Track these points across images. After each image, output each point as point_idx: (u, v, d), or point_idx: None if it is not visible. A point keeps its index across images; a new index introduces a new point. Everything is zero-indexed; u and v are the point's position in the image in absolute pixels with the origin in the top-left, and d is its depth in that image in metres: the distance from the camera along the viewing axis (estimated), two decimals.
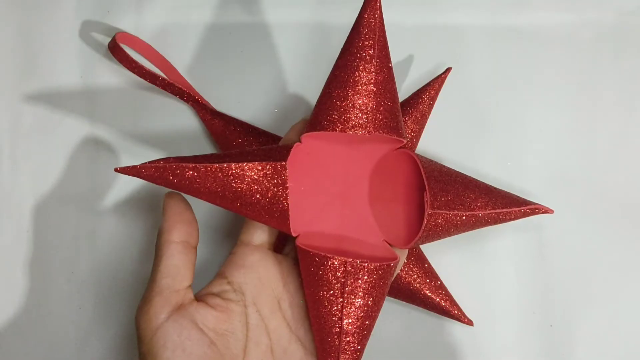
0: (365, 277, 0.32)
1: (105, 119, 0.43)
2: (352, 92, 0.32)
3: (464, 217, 0.32)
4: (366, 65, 0.32)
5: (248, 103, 0.43)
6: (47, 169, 0.43)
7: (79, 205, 0.43)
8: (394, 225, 0.35)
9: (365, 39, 0.32)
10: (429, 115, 0.40)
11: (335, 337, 0.32)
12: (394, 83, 0.34)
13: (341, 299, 0.32)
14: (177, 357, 0.30)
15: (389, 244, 0.35)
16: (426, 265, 0.39)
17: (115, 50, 0.41)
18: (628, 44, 0.44)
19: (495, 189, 0.35)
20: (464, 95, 0.43)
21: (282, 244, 0.38)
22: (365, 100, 0.32)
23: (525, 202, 0.35)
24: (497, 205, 0.34)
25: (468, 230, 0.34)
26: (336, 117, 0.32)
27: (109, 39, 0.42)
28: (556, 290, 0.42)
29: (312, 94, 0.43)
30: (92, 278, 0.42)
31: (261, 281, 0.34)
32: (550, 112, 0.43)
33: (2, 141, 0.43)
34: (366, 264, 0.32)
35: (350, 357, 0.33)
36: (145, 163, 0.31)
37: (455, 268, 0.41)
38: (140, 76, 0.41)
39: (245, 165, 0.31)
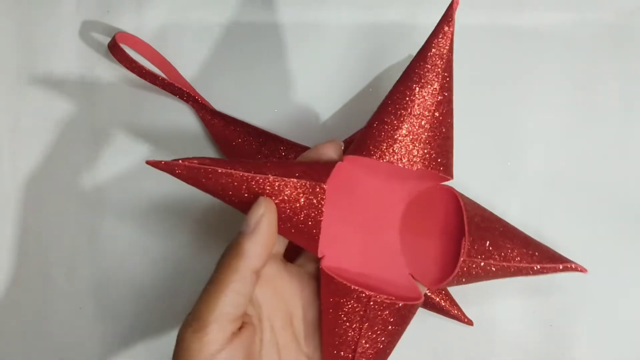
0: (387, 314, 0.31)
1: (105, 118, 0.43)
2: (406, 122, 0.30)
3: (497, 267, 0.31)
4: (425, 97, 0.30)
5: (248, 103, 0.43)
6: (46, 169, 0.43)
7: (79, 205, 0.43)
8: (422, 262, 0.34)
9: (430, 69, 0.30)
10: None
11: None
12: (452, 117, 0.32)
13: (358, 332, 0.31)
14: None
15: (414, 279, 0.34)
16: None
17: (115, 50, 0.41)
18: (628, 44, 0.43)
19: (534, 241, 0.33)
20: (463, 95, 0.42)
21: (294, 252, 0.37)
22: (419, 133, 0.30)
23: (561, 260, 0.33)
24: (534, 260, 0.32)
25: (499, 278, 0.33)
26: (385, 145, 0.30)
27: (109, 39, 0.42)
28: (556, 290, 0.42)
29: (311, 94, 0.43)
30: (92, 278, 0.42)
31: (276, 294, 0.33)
32: (550, 112, 0.43)
33: (2, 141, 0.43)
34: (390, 302, 0.31)
35: None
36: (178, 161, 0.29)
37: None
38: (140, 76, 0.41)
39: (283, 180, 0.30)
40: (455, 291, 0.40)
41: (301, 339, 0.33)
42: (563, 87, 0.43)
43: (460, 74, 0.42)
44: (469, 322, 0.40)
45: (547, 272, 0.32)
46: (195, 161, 0.30)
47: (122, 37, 0.41)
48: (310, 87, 0.43)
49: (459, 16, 0.42)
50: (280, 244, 0.34)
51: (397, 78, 0.43)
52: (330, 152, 0.33)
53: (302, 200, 0.30)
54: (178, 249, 0.43)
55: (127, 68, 0.41)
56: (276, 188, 0.30)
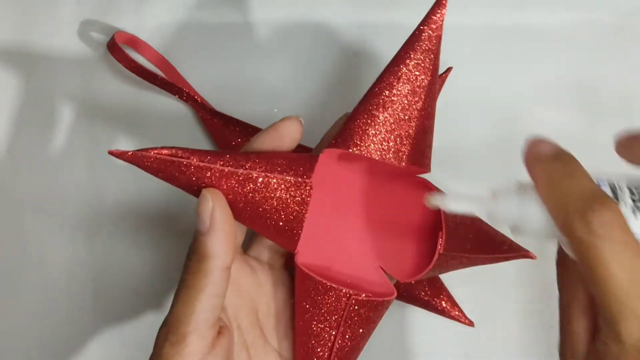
0: (364, 312, 0.31)
1: (104, 118, 0.43)
2: (387, 115, 0.30)
3: (465, 259, 0.32)
4: (406, 92, 0.30)
5: (247, 103, 0.43)
6: (45, 169, 0.43)
7: (78, 205, 0.43)
8: (396, 256, 0.33)
9: (413, 65, 0.30)
10: None
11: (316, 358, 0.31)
12: (433, 114, 0.32)
13: (335, 330, 0.31)
14: None
15: (386, 273, 0.33)
16: None
17: (114, 49, 0.40)
18: (629, 44, 0.44)
19: (495, 232, 0.34)
20: (464, 94, 0.43)
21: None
22: (399, 127, 0.30)
23: (519, 249, 0.34)
24: (499, 250, 0.33)
25: (465, 268, 0.34)
26: (365, 138, 0.30)
27: (108, 39, 0.42)
28: (557, 291, 0.41)
29: (311, 94, 0.43)
30: (91, 279, 0.42)
31: (240, 292, 0.31)
32: (550, 111, 0.43)
33: (1, 141, 0.43)
34: (367, 299, 0.30)
35: None
36: (149, 150, 0.27)
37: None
38: (139, 75, 0.41)
39: (267, 176, 0.28)
40: (455, 291, 0.40)
41: (267, 333, 0.32)
42: (564, 87, 0.43)
43: (460, 73, 0.42)
44: (470, 323, 0.40)
45: (503, 260, 0.34)
46: (166, 152, 0.27)
47: (121, 37, 0.41)
48: (310, 87, 0.43)
49: (459, 15, 0.43)
50: (239, 236, 0.32)
51: None
52: (291, 128, 0.31)
53: (287, 197, 0.29)
54: (178, 249, 0.42)
55: (126, 67, 0.41)
56: (260, 185, 0.28)
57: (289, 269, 0.35)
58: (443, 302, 0.39)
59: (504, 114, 0.43)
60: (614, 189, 0.27)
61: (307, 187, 0.29)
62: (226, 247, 0.27)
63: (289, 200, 0.29)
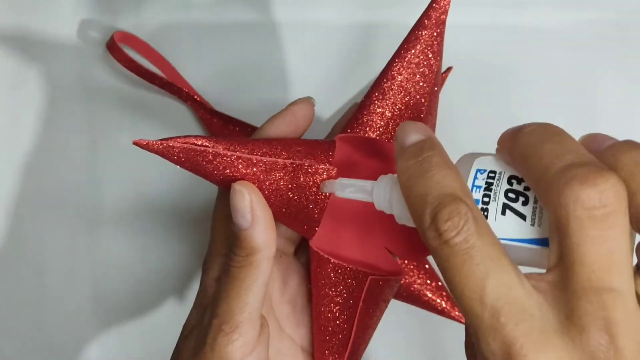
0: (377, 290, 0.31)
1: (103, 118, 0.43)
2: (396, 100, 0.31)
3: None
4: (417, 78, 0.31)
5: (247, 102, 0.43)
6: (45, 169, 0.43)
7: (77, 206, 0.43)
8: (402, 237, 0.34)
9: (421, 51, 0.31)
10: None
11: (337, 342, 0.31)
12: (437, 98, 0.33)
13: (350, 308, 0.31)
14: None
15: (395, 256, 0.34)
16: (427, 266, 0.39)
17: (114, 49, 0.40)
18: (629, 43, 0.43)
19: None
20: (464, 94, 0.43)
21: None
22: (408, 112, 0.31)
23: None
24: None
25: None
26: (375, 124, 0.31)
27: (108, 38, 0.42)
28: None
29: (311, 93, 0.43)
30: (91, 278, 0.42)
31: None
32: (551, 111, 0.43)
33: (0, 141, 0.43)
34: (379, 277, 0.31)
35: None
36: (170, 139, 0.27)
37: None
38: (139, 75, 0.41)
39: (291, 163, 0.28)
40: None
41: (281, 320, 0.33)
42: (564, 87, 0.43)
43: (461, 73, 0.42)
44: None
45: None
46: (191, 140, 0.27)
47: (121, 36, 0.41)
48: (310, 86, 0.43)
49: (460, 15, 0.42)
50: None
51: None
52: (304, 109, 0.32)
53: (310, 182, 0.29)
54: (177, 248, 0.42)
55: (126, 67, 0.41)
56: (291, 172, 0.28)
57: (300, 256, 0.35)
58: (443, 303, 0.39)
59: (504, 114, 0.43)
60: (490, 184, 0.24)
61: (331, 172, 0.29)
62: (271, 237, 0.28)
63: (312, 187, 0.29)
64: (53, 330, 0.42)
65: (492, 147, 0.42)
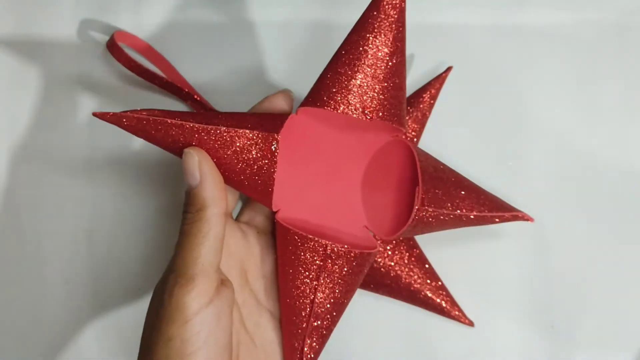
0: (344, 263, 0.31)
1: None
2: (360, 72, 0.30)
3: (450, 216, 0.32)
4: (379, 47, 0.30)
5: (247, 102, 0.42)
6: (44, 169, 0.43)
7: (77, 206, 0.43)
8: (379, 214, 0.34)
9: (383, 18, 0.30)
10: (429, 114, 0.40)
11: (304, 319, 0.32)
12: (404, 69, 0.32)
13: (316, 282, 0.31)
14: (208, 347, 0.28)
15: (371, 232, 0.34)
16: (427, 266, 0.39)
17: (114, 49, 0.40)
18: (630, 42, 0.43)
19: (484, 191, 0.34)
20: (464, 94, 0.43)
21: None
22: (372, 84, 0.31)
23: (509, 209, 0.34)
24: (483, 208, 0.33)
25: (451, 228, 0.34)
26: (339, 96, 0.31)
27: (107, 38, 0.42)
28: (558, 291, 0.42)
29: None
30: (90, 278, 0.42)
31: (228, 254, 0.33)
32: (552, 111, 0.43)
33: (0, 141, 0.43)
34: (346, 250, 0.31)
35: (317, 341, 0.32)
36: (128, 112, 0.29)
37: (456, 269, 0.41)
38: (139, 75, 0.41)
39: (235, 131, 0.29)
40: (455, 291, 0.40)
41: (260, 294, 0.34)
42: (565, 86, 0.43)
43: (461, 73, 0.42)
44: (470, 323, 0.40)
45: (497, 222, 0.34)
46: (144, 112, 0.29)
47: (121, 36, 0.41)
48: (310, 84, 0.43)
49: (459, 15, 0.44)
50: (231, 202, 0.33)
51: None
52: (280, 101, 0.34)
53: (255, 151, 0.30)
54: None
55: (126, 67, 0.41)
56: (228, 139, 0.29)
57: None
58: (443, 302, 0.39)
59: (503, 114, 0.43)
60: None
61: (273, 141, 0.29)
62: (219, 193, 0.30)
63: (256, 154, 0.30)
64: (53, 330, 0.42)
65: (491, 147, 0.43)
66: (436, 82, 0.40)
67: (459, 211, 0.32)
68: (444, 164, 0.34)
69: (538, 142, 0.43)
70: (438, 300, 0.39)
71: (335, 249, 0.31)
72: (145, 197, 0.42)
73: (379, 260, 0.37)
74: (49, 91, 0.43)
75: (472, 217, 0.33)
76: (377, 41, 0.30)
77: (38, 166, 0.43)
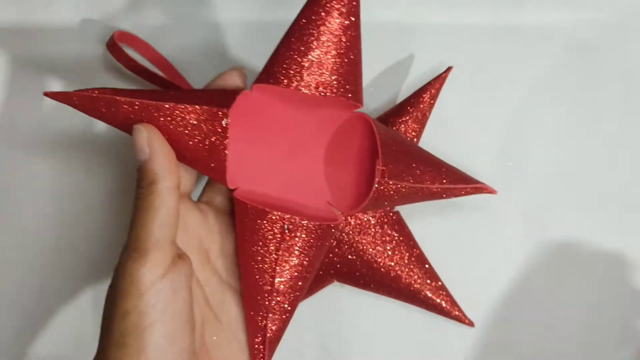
0: (303, 236, 0.31)
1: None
2: (314, 47, 0.30)
3: (412, 189, 0.31)
4: (333, 21, 0.30)
5: None
6: (44, 168, 0.43)
7: (76, 206, 0.43)
8: (341, 189, 0.34)
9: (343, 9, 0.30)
10: (429, 114, 0.40)
11: (266, 295, 0.31)
12: (360, 45, 0.32)
13: (275, 256, 0.31)
14: (165, 320, 0.28)
15: (334, 207, 0.34)
16: (427, 266, 0.39)
17: (114, 49, 0.40)
18: (629, 43, 0.43)
19: (446, 164, 0.34)
20: (464, 94, 0.43)
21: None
22: (327, 59, 0.30)
23: (471, 181, 0.34)
24: (445, 181, 0.33)
25: (415, 202, 0.34)
26: (292, 72, 0.30)
27: (107, 38, 0.42)
28: (558, 291, 0.42)
29: None
30: (91, 278, 0.42)
31: (188, 233, 0.32)
32: (551, 111, 0.43)
33: (0, 141, 0.43)
34: (305, 223, 0.31)
35: (279, 317, 0.32)
36: (79, 91, 0.29)
37: (456, 269, 0.41)
38: (139, 75, 0.41)
39: (184, 107, 0.29)
40: (455, 292, 0.40)
41: (222, 273, 0.34)
42: (564, 86, 0.43)
43: (461, 73, 0.42)
44: (470, 323, 0.40)
45: (459, 194, 0.33)
46: (96, 91, 0.29)
47: (121, 36, 0.41)
48: None
49: (459, 15, 0.44)
50: (188, 182, 0.33)
51: (397, 78, 0.43)
52: (234, 78, 0.33)
53: (205, 127, 0.29)
54: None
55: (126, 67, 0.41)
56: (178, 115, 0.29)
57: None
58: (443, 302, 0.39)
59: (503, 114, 0.43)
60: None
61: (224, 116, 0.29)
62: (169, 166, 0.30)
63: (207, 130, 0.29)
64: (52, 331, 0.42)
65: (490, 147, 0.42)
66: (436, 82, 0.40)
67: (420, 184, 0.31)
68: (404, 137, 0.34)
69: (538, 142, 0.43)
70: (438, 301, 0.39)
71: (294, 221, 0.30)
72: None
73: (379, 260, 0.37)
74: (47, 90, 0.43)
75: (434, 189, 0.32)
76: (330, 16, 0.30)
77: (37, 165, 0.43)
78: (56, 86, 0.43)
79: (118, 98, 0.29)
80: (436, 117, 0.41)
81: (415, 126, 0.40)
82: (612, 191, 0.42)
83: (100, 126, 0.42)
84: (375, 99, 0.43)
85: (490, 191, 0.34)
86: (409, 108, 0.40)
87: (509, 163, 0.42)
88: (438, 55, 0.43)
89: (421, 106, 0.40)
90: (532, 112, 0.43)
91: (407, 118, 0.39)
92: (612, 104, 0.43)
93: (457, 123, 0.43)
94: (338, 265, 0.38)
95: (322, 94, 0.30)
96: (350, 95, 0.31)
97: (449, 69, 0.41)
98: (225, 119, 0.29)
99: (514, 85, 0.43)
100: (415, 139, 0.40)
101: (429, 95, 0.40)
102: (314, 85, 0.30)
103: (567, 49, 0.43)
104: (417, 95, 0.40)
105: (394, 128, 0.39)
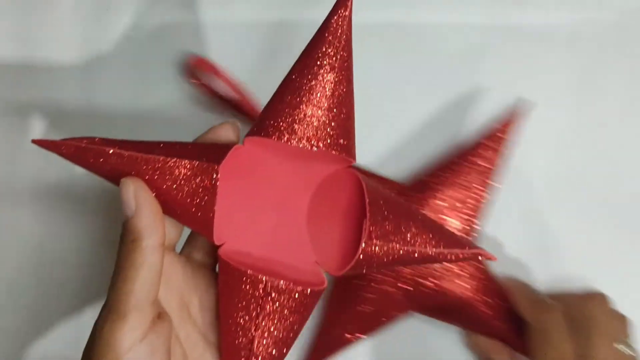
0: (286, 301, 0.30)
1: (103, 117, 0.44)
2: (306, 101, 0.29)
3: (401, 252, 0.30)
4: (325, 76, 0.29)
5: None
6: (44, 168, 0.44)
7: (76, 206, 0.43)
8: (328, 248, 0.32)
9: (328, 47, 0.29)
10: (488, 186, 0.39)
11: (243, 358, 0.30)
12: (352, 98, 0.31)
13: (256, 320, 0.30)
14: None
15: (321, 267, 0.32)
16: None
17: (192, 75, 0.42)
18: (631, 42, 0.43)
19: (441, 226, 0.32)
20: (464, 94, 0.44)
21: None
22: (318, 113, 0.29)
23: (468, 245, 0.31)
24: (439, 244, 0.30)
25: (407, 265, 0.34)
26: (284, 125, 0.29)
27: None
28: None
29: None
30: (91, 277, 0.43)
31: (169, 287, 0.31)
32: (552, 111, 0.43)
33: (1, 141, 0.44)
34: (289, 287, 0.29)
35: None
36: (67, 140, 0.29)
37: None
38: (214, 100, 0.42)
39: (174, 161, 0.28)
40: None
41: (203, 328, 0.32)
42: (566, 87, 0.43)
43: (461, 73, 0.43)
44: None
45: (454, 260, 0.31)
46: (84, 141, 0.29)
47: (197, 62, 0.42)
48: None
49: (460, 15, 0.44)
50: (173, 234, 0.32)
51: (397, 79, 0.44)
52: (228, 133, 0.32)
53: (194, 182, 0.28)
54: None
55: (202, 93, 0.41)
56: (167, 169, 0.28)
57: None
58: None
59: (503, 113, 0.43)
60: None
61: (214, 172, 0.28)
62: (155, 223, 0.28)
63: (196, 186, 0.29)
64: (52, 330, 0.43)
65: None
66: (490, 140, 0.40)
67: (410, 247, 0.30)
68: (396, 196, 0.32)
69: (538, 142, 0.43)
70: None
71: (277, 285, 0.29)
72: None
73: (459, 293, 0.36)
74: (48, 91, 0.43)
75: (429, 253, 0.30)
76: (322, 70, 0.29)
77: (37, 165, 0.43)
78: (56, 87, 0.43)
79: (106, 149, 0.28)
80: (436, 116, 0.43)
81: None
82: (613, 192, 0.42)
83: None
84: (376, 100, 0.43)
85: (489, 257, 0.31)
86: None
87: (509, 163, 0.42)
88: (438, 56, 0.43)
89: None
90: (532, 112, 0.43)
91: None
92: (612, 104, 0.43)
93: (456, 123, 0.43)
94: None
95: (313, 147, 0.29)
96: (343, 149, 0.30)
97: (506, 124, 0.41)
98: (215, 175, 0.28)
99: (513, 85, 0.43)
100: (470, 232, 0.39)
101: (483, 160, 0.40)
102: (304, 138, 0.29)
103: (567, 49, 0.43)
104: (463, 159, 0.40)
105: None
